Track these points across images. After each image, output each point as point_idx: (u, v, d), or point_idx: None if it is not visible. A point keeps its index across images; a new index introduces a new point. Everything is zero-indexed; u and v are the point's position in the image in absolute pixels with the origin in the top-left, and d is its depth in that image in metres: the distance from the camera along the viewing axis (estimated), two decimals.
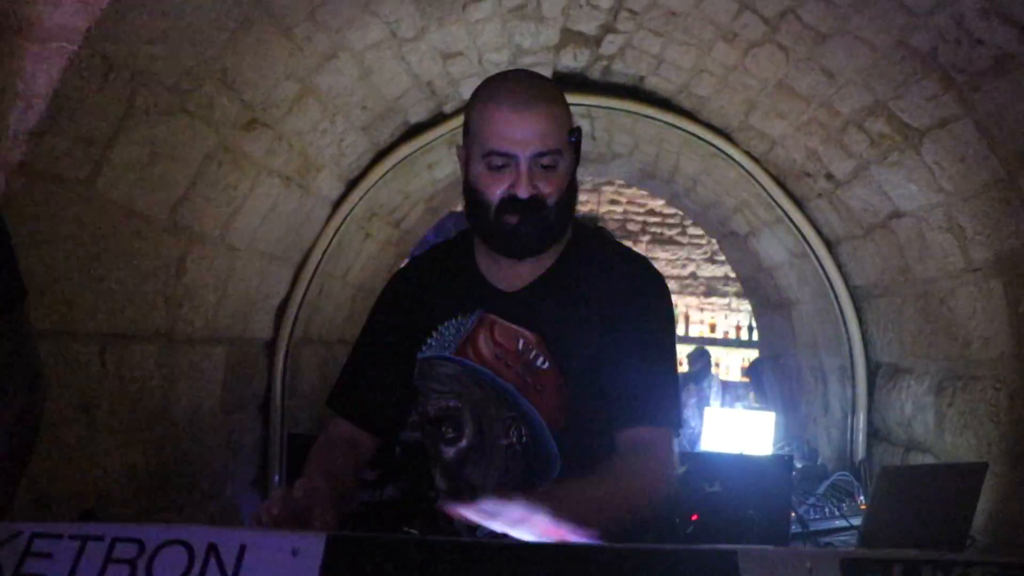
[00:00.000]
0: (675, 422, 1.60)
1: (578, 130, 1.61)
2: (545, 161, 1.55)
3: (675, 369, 1.67)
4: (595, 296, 1.64)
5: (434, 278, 1.75)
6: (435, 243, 1.89)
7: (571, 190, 1.62)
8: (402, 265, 1.86)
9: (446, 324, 1.65)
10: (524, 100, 1.54)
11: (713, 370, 7.13)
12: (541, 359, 1.60)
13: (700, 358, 6.71)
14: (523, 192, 1.54)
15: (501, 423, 1.59)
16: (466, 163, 1.63)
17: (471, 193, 1.61)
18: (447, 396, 1.62)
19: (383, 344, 1.74)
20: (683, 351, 6.61)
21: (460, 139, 1.68)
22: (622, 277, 1.67)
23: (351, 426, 1.72)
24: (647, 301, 1.66)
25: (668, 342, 1.67)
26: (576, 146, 1.61)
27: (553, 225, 1.60)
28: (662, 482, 1.54)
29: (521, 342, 1.60)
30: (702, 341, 8.00)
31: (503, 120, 1.53)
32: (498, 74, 1.69)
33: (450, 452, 1.62)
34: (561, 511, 1.23)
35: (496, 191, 1.56)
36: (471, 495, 1.53)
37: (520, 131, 1.53)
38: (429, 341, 1.66)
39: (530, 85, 1.60)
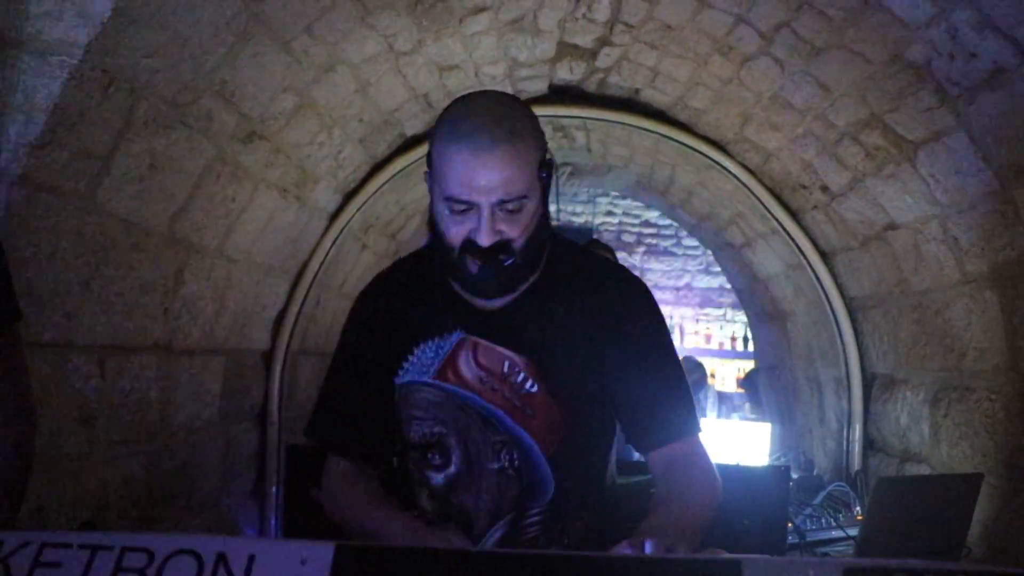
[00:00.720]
0: (699, 426, 1.63)
1: (550, 164, 1.52)
2: (510, 207, 1.44)
3: (684, 375, 1.67)
4: (584, 313, 1.59)
5: (405, 296, 1.65)
6: (400, 258, 1.80)
7: (541, 227, 1.52)
8: (363, 288, 1.77)
9: (422, 347, 1.58)
10: (487, 142, 1.41)
11: (709, 380, 7.13)
12: (530, 382, 1.55)
13: (695, 370, 6.72)
14: (484, 240, 1.44)
15: (490, 447, 1.55)
16: (430, 198, 1.54)
17: (434, 231, 1.53)
18: (429, 422, 1.57)
19: (359, 372, 1.66)
20: None
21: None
22: (611, 294, 1.62)
23: (351, 464, 1.67)
24: (645, 317, 1.63)
25: (673, 351, 1.67)
26: (547, 181, 1.52)
27: (519, 267, 1.50)
28: (717, 485, 1.58)
29: (507, 364, 1.55)
30: (697, 352, 8.00)
31: (463, 165, 1.41)
32: (462, 102, 1.54)
33: (438, 478, 1.58)
34: (690, 538, 1.34)
35: (457, 235, 1.47)
36: (463, 520, 1.56)
37: (482, 178, 1.41)
38: (405, 365, 1.60)
39: (494, 120, 1.44)
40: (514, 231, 1.46)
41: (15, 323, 1.56)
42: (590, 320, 1.58)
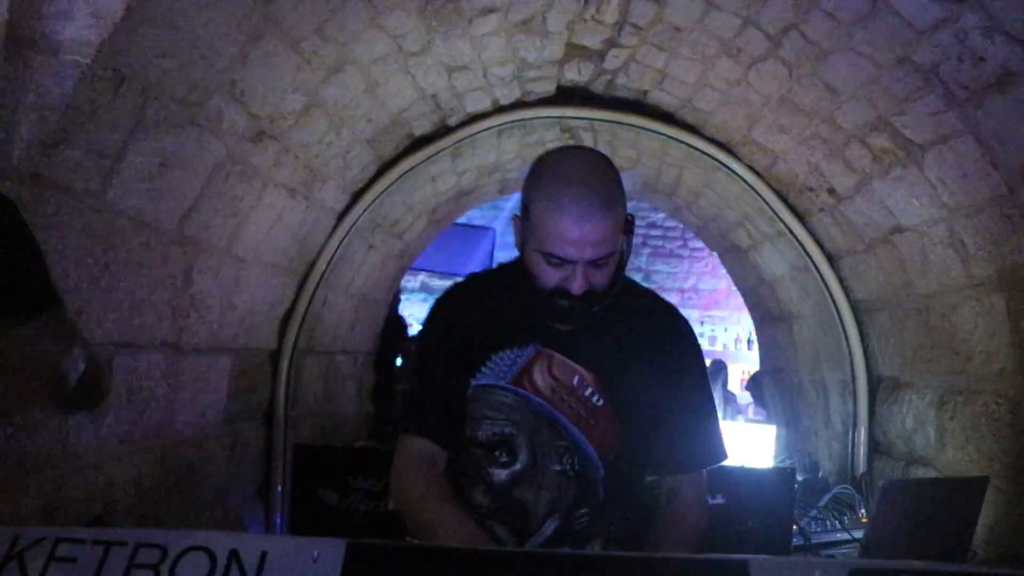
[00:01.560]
0: (716, 457, 1.87)
1: (631, 221, 1.70)
2: (599, 262, 1.64)
3: (714, 407, 1.90)
4: (642, 341, 1.79)
5: (483, 307, 1.83)
6: (473, 273, 2.00)
7: (618, 271, 1.72)
8: (445, 291, 1.95)
9: (500, 355, 1.76)
10: (588, 212, 1.60)
11: (731, 387, 7.08)
12: (596, 396, 1.74)
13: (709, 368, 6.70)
14: (577, 290, 1.64)
15: (555, 450, 1.73)
16: (522, 239, 1.72)
17: (527, 272, 1.71)
18: (501, 423, 1.74)
19: (445, 370, 1.79)
20: None
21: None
22: (662, 327, 1.84)
23: (427, 443, 1.78)
24: (693, 352, 1.87)
25: (707, 386, 1.90)
26: (628, 235, 1.70)
27: (601, 305, 1.70)
28: (707, 500, 1.88)
29: (576, 378, 1.73)
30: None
31: (565, 230, 1.60)
32: (561, 164, 1.70)
33: (502, 475, 1.73)
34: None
35: (551, 281, 1.66)
36: (521, 512, 1.74)
37: (580, 241, 1.60)
38: (483, 369, 1.76)
39: (594, 191, 1.63)
40: (600, 281, 1.67)
41: (53, 308, 1.59)
42: (645, 346, 1.79)
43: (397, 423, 1.86)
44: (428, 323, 1.88)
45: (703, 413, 1.85)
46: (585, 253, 1.62)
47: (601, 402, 1.74)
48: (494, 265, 1.96)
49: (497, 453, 1.74)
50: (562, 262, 1.63)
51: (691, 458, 1.84)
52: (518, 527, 1.73)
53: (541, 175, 1.69)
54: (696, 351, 1.88)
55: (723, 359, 8.41)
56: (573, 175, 1.66)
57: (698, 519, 1.82)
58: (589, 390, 1.73)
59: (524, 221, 1.70)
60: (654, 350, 1.80)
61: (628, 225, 1.70)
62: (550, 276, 1.66)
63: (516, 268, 1.80)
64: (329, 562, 0.93)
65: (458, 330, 1.81)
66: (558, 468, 1.72)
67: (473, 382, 1.77)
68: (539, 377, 1.73)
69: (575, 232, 1.59)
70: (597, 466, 1.74)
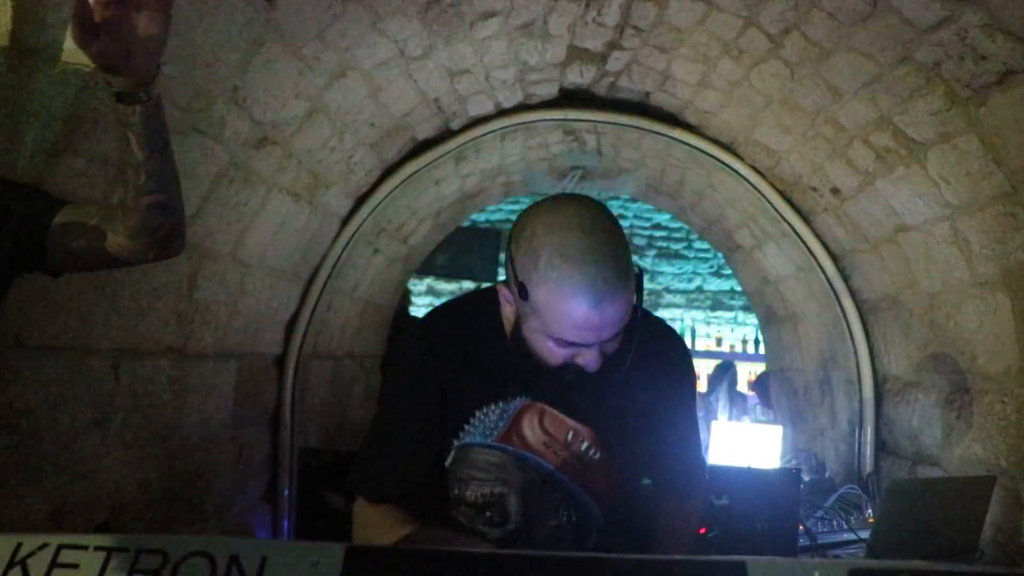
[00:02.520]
0: (704, 476, 1.89)
1: (640, 275, 1.49)
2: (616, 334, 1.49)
3: (699, 439, 1.88)
4: (637, 375, 1.60)
5: (466, 355, 1.63)
6: (450, 306, 1.76)
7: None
8: (421, 328, 1.69)
9: (485, 411, 1.60)
10: (606, 294, 1.40)
11: (740, 388, 7.07)
12: (593, 450, 1.59)
13: (717, 369, 6.70)
14: (593, 368, 1.48)
15: (550, 505, 1.58)
16: (518, 316, 1.52)
17: (529, 348, 1.52)
18: (490, 483, 1.58)
19: (416, 428, 1.61)
20: (701, 365, 6.63)
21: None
22: (660, 352, 1.70)
23: (387, 508, 1.61)
24: (685, 383, 1.79)
25: (695, 417, 1.84)
26: (638, 289, 1.50)
27: (619, 370, 1.55)
28: (699, 519, 1.89)
29: (571, 434, 1.59)
30: (709, 355, 8.00)
31: (581, 318, 1.41)
32: (562, 232, 1.43)
33: (496, 532, 1.59)
34: None
35: (558, 359, 1.49)
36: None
37: (599, 326, 1.42)
38: (466, 427, 1.60)
39: (608, 264, 1.41)
40: (613, 348, 1.51)
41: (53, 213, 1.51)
42: (639, 381, 1.62)
43: (358, 485, 1.65)
44: (400, 367, 1.68)
45: (692, 443, 1.82)
46: (603, 335, 1.43)
47: (598, 455, 1.59)
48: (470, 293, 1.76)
49: (488, 514, 1.58)
50: (574, 344, 1.45)
51: (683, 486, 1.82)
52: None
53: (538, 251, 1.43)
54: (690, 378, 1.79)
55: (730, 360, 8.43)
56: (577, 249, 1.41)
57: (693, 527, 1.84)
58: (585, 444, 1.59)
59: (521, 301, 1.47)
60: (648, 381, 1.65)
61: (638, 281, 1.48)
62: (558, 355, 1.48)
63: (488, 301, 1.64)
64: (328, 567, 0.94)
65: (434, 382, 1.60)
66: (554, 523, 1.58)
67: (456, 442, 1.60)
68: (529, 431, 1.57)
69: (594, 318, 1.40)
70: (596, 517, 1.61)
